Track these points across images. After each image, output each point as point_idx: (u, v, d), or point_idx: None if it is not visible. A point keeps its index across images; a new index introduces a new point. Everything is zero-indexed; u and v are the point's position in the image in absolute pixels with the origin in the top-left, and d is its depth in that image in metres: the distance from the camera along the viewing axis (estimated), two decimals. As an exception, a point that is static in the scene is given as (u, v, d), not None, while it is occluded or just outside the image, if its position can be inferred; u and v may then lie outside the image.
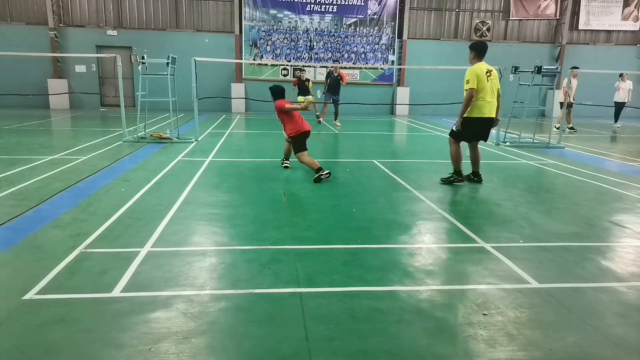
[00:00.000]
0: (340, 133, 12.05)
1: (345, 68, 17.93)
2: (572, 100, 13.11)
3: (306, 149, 6.49)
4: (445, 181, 6.23)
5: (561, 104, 12.13)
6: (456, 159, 6.23)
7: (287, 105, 6.54)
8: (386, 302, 2.92)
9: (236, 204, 5.11)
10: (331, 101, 13.58)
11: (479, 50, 6.05)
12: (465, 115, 5.92)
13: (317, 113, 14.25)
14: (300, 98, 13.95)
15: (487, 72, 5.87)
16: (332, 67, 14.13)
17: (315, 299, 2.94)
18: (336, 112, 13.62)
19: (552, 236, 4.27)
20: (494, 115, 6.01)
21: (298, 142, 6.48)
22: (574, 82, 13.09)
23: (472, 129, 6.02)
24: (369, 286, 3.13)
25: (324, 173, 6.15)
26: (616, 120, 15.12)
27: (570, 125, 13.66)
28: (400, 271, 3.41)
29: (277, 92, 6.78)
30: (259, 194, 5.58)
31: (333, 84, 13.33)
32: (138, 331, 2.52)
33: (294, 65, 18.52)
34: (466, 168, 6.42)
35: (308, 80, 13.93)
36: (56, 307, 2.76)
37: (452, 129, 6.27)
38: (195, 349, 2.38)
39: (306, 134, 6.51)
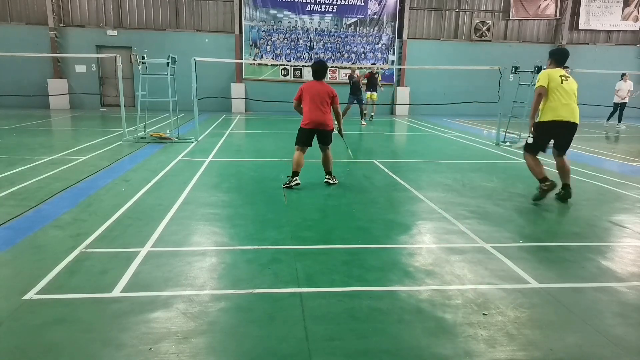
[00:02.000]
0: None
1: (345, 68, 18.07)
2: None
3: (307, 145, 5.88)
4: (537, 198, 5.45)
5: None
6: (535, 167, 5.53)
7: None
8: (386, 302, 2.92)
9: (236, 204, 5.11)
10: (355, 102, 13.99)
11: (557, 58, 5.58)
12: (539, 120, 5.38)
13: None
14: (368, 94, 14.57)
15: (562, 76, 5.37)
16: (349, 67, 14.51)
17: (315, 299, 2.94)
18: (362, 111, 14.21)
19: (552, 236, 4.27)
20: (575, 120, 5.30)
21: (299, 132, 5.90)
22: None
23: (548, 135, 5.42)
24: (369, 286, 3.13)
25: (293, 182, 5.73)
26: (620, 120, 15.05)
27: None
28: (400, 271, 3.41)
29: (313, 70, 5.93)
30: (259, 194, 5.57)
31: (355, 85, 13.85)
32: (138, 331, 2.52)
33: (294, 65, 18.53)
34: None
35: (377, 73, 14.73)
36: (56, 307, 2.76)
37: (526, 142, 5.59)
38: (195, 349, 2.38)
39: (308, 131, 5.84)
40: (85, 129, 11.91)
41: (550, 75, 5.36)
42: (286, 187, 5.75)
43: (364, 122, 13.95)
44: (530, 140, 5.50)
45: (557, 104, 5.28)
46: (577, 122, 5.36)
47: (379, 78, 14.87)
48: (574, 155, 9.16)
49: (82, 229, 4.12)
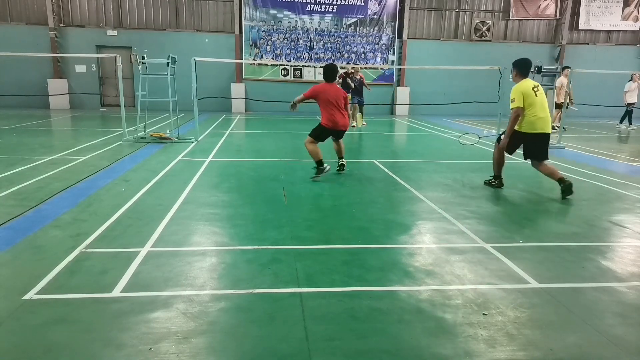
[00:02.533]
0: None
1: (342, 68, 17.93)
2: (573, 100, 13.01)
3: (321, 141, 6.40)
4: (486, 183, 6.23)
5: (560, 104, 12.07)
6: (497, 162, 6.08)
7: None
8: (386, 302, 2.92)
9: (236, 204, 5.11)
10: (356, 102, 13.48)
11: (521, 69, 5.81)
12: (516, 129, 5.70)
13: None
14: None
15: (533, 88, 5.61)
16: (352, 68, 14.01)
17: (315, 299, 2.94)
18: (362, 112, 13.71)
19: (552, 236, 4.27)
20: (548, 131, 5.66)
21: (318, 129, 6.35)
22: (565, 81, 12.83)
23: (523, 143, 5.76)
24: (369, 286, 3.13)
25: (325, 170, 6.16)
26: (630, 122, 14.73)
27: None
28: (400, 271, 3.41)
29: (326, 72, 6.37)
30: (259, 194, 5.58)
31: (358, 86, 13.45)
32: (138, 331, 2.52)
33: (294, 65, 18.53)
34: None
35: (352, 74, 13.91)
36: (56, 307, 2.76)
37: (498, 137, 6.07)
38: (195, 349, 2.38)
39: (332, 132, 6.37)
40: (85, 129, 11.90)
41: (524, 92, 5.58)
42: (316, 178, 6.17)
43: (364, 122, 13.80)
44: (502, 141, 5.86)
45: (534, 118, 5.58)
46: (549, 132, 5.70)
47: (363, 80, 13.61)
48: (574, 155, 9.16)
49: (82, 229, 4.12)
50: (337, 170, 6.63)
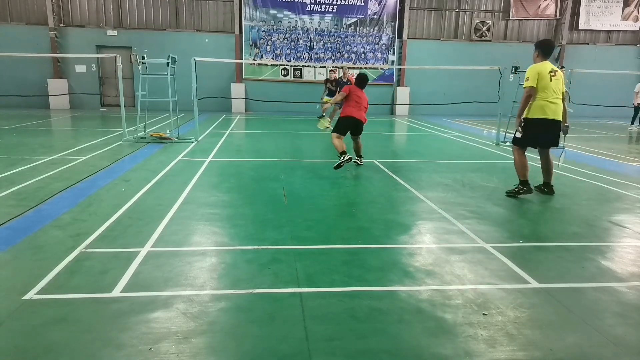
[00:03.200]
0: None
1: (351, 68, 17.93)
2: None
3: (342, 134, 7.05)
4: (510, 194, 5.63)
5: None
6: (521, 167, 5.59)
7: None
8: (386, 302, 2.92)
9: (236, 204, 5.11)
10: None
11: (544, 49, 5.50)
12: (526, 116, 5.46)
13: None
14: (326, 98, 14.14)
15: (550, 72, 5.36)
16: (342, 69, 14.03)
17: (315, 299, 2.94)
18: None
19: (552, 236, 4.27)
20: (559, 118, 5.41)
21: (340, 122, 7.12)
22: None
23: (536, 132, 5.47)
24: (369, 286, 3.13)
25: (347, 157, 6.73)
26: (633, 122, 14.65)
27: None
28: (400, 271, 3.41)
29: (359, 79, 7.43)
30: (259, 194, 5.58)
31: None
32: (138, 331, 2.52)
33: (294, 65, 18.53)
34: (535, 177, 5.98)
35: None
36: (56, 307, 2.76)
37: (514, 136, 5.72)
38: (195, 349, 2.38)
39: (351, 119, 7.05)
40: (85, 129, 11.90)
41: (540, 73, 5.36)
42: (338, 167, 6.74)
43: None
44: (519, 135, 5.59)
45: (545, 102, 5.35)
46: (561, 119, 5.46)
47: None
48: (574, 155, 9.16)
49: (82, 229, 4.12)
50: (356, 164, 7.39)
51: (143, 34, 17.82)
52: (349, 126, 7.08)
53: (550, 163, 5.71)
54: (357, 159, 7.44)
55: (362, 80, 7.31)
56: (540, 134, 5.50)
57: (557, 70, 5.44)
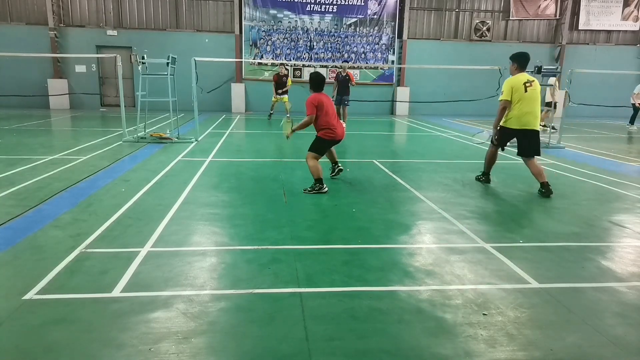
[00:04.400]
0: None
1: (353, 68, 17.90)
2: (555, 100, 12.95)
3: (322, 155, 5.92)
4: (476, 178, 6.56)
5: (552, 103, 11.98)
6: (489, 160, 6.36)
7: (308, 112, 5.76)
8: (386, 302, 2.92)
9: (236, 204, 5.11)
10: (338, 103, 12.71)
11: (520, 61, 5.86)
12: (502, 124, 5.94)
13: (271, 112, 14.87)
14: (275, 98, 14.23)
15: (526, 83, 5.70)
16: (340, 66, 13.89)
17: (315, 299, 2.94)
18: (343, 113, 12.81)
19: (552, 236, 4.27)
20: (535, 128, 5.78)
21: (320, 143, 5.86)
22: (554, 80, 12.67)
23: (511, 138, 6.01)
24: (369, 286, 3.13)
25: (320, 188, 5.63)
26: (632, 122, 14.59)
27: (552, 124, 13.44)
28: (400, 271, 3.41)
29: (317, 81, 5.89)
30: (259, 194, 5.57)
31: (343, 84, 12.83)
32: (138, 331, 2.52)
33: (294, 65, 18.52)
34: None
35: (286, 76, 14.21)
36: (56, 307, 2.76)
37: (491, 141, 6.28)
38: (195, 349, 2.38)
39: (333, 142, 5.92)
40: (85, 129, 11.90)
41: (513, 86, 5.72)
42: (309, 192, 5.62)
43: (343, 124, 12.87)
44: (495, 141, 6.15)
45: (520, 112, 5.72)
46: (537, 129, 5.82)
47: (289, 83, 14.02)
48: (574, 155, 9.16)
49: (82, 229, 4.12)
50: (332, 175, 6.40)
51: (143, 34, 17.81)
52: (331, 145, 6.03)
53: (536, 167, 5.86)
54: (337, 167, 6.46)
55: (319, 82, 5.86)
56: (519, 142, 5.91)
57: (533, 81, 5.76)
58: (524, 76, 5.76)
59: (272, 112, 14.99)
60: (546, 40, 20.16)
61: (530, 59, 5.95)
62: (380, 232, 4.30)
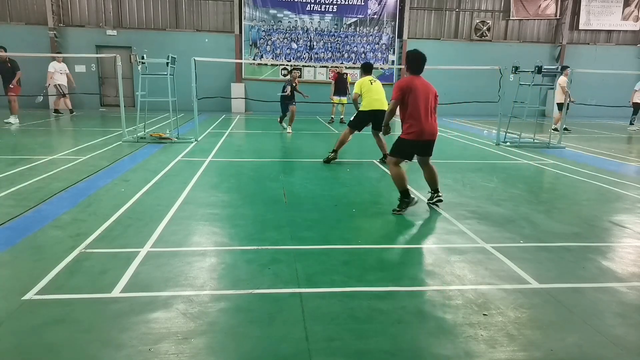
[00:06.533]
0: (340, 133, 12.02)
1: (351, 68, 17.97)
2: (573, 100, 12.91)
3: (404, 158, 4.97)
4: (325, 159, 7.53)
5: (561, 104, 11.98)
6: (341, 141, 7.61)
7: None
8: (386, 303, 2.91)
9: (236, 204, 5.11)
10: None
11: (365, 69, 7.81)
12: (360, 109, 7.48)
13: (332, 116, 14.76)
14: (335, 99, 14.03)
15: (370, 81, 7.41)
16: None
17: (315, 299, 2.93)
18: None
19: (552, 236, 4.27)
20: (383, 108, 7.19)
21: (399, 143, 4.91)
22: (565, 80, 12.62)
23: (366, 119, 7.42)
24: (369, 286, 3.13)
25: (409, 203, 4.78)
26: (632, 123, 14.59)
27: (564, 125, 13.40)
28: (401, 271, 3.40)
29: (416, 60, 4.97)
30: (259, 194, 5.57)
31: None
32: (138, 331, 2.52)
33: (294, 65, 18.51)
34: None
35: (346, 74, 14.19)
36: (56, 307, 2.75)
37: (349, 120, 7.74)
38: (195, 349, 2.38)
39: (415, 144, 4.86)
40: (84, 129, 11.89)
41: (362, 84, 7.39)
42: (398, 212, 4.75)
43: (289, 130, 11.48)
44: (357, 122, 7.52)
45: (371, 100, 7.27)
46: (384, 109, 7.09)
47: (349, 79, 14.13)
48: (575, 155, 9.16)
49: (82, 229, 4.12)
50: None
51: (143, 34, 17.80)
52: (416, 148, 4.91)
53: (381, 140, 7.53)
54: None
55: (420, 62, 4.95)
56: (373, 121, 7.36)
57: (375, 80, 7.54)
58: (368, 78, 7.45)
59: (333, 116, 14.60)
60: (546, 40, 20.16)
61: (372, 66, 7.91)
62: (380, 232, 4.30)
